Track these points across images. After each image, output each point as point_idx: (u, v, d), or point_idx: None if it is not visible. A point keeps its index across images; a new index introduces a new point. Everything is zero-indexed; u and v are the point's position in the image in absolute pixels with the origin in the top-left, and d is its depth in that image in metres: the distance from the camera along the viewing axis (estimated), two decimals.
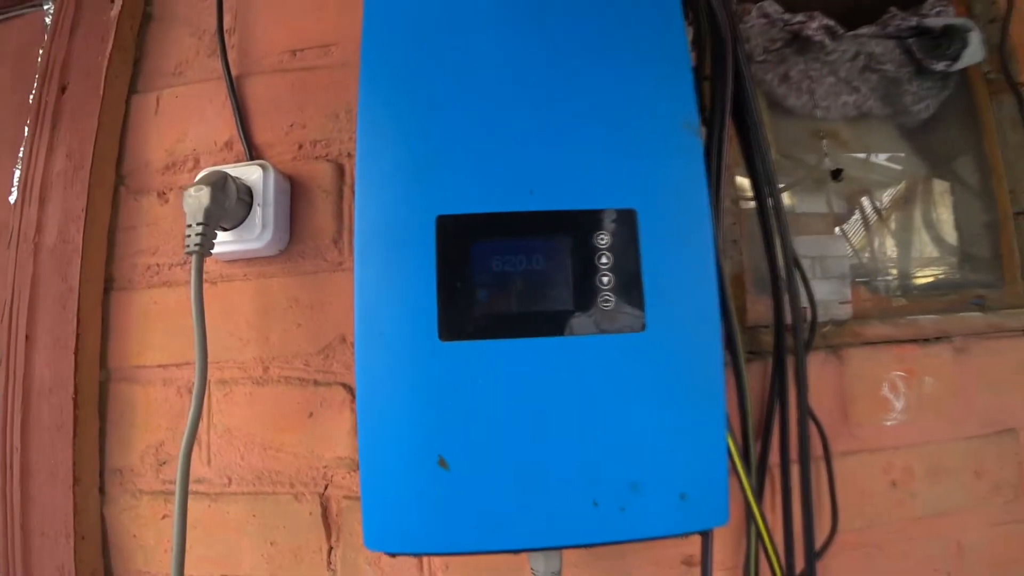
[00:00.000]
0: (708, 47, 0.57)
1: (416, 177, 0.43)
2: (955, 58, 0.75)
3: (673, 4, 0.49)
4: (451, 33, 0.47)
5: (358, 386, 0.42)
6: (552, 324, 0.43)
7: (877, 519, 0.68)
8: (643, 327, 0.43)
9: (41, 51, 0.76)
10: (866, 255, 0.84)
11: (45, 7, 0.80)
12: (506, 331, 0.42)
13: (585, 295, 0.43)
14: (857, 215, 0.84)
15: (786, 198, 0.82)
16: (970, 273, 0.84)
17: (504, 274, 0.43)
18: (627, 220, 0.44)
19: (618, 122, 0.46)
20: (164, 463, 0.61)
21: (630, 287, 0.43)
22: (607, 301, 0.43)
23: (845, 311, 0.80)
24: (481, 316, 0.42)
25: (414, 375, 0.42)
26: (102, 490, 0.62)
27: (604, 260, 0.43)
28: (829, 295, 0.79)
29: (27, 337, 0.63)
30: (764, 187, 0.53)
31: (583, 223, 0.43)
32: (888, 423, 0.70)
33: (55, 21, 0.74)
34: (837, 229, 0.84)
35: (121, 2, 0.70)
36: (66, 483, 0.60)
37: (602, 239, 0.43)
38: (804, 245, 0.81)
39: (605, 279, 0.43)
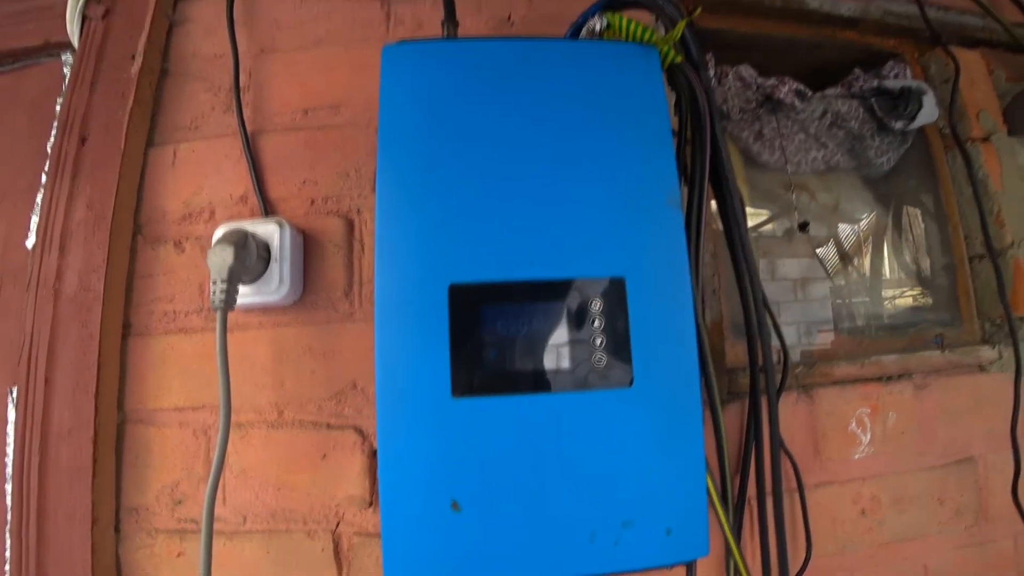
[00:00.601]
0: (688, 116, 0.62)
1: (430, 248, 0.48)
2: (911, 118, 0.83)
3: (657, 86, 0.55)
4: (457, 109, 0.52)
5: (379, 437, 0.46)
6: (551, 381, 0.48)
7: (848, 545, 0.74)
8: (631, 382, 0.48)
9: (60, 101, 0.79)
10: (837, 297, 0.91)
11: (63, 57, 0.84)
12: (511, 387, 0.47)
13: (580, 354, 0.48)
14: (829, 261, 0.91)
15: (769, 244, 0.88)
16: (930, 312, 0.92)
17: (509, 336, 0.48)
18: (617, 287, 0.49)
19: (608, 196, 0.51)
20: (179, 502, 0.64)
21: (619, 347, 0.49)
22: (599, 360, 0.48)
23: (826, 338, 0.86)
24: (489, 374, 0.47)
25: (429, 427, 0.47)
26: (117, 529, 0.65)
27: (597, 323, 0.49)
28: (812, 318, 0.86)
29: (46, 380, 0.66)
30: (739, 248, 0.59)
31: (578, 290, 0.49)
32: (856, 456, 0.76)
33: (75, 74, 0.77)
34: (814, 269, 0.91)
35: (141, 60, 0.74)
36: (84, 524, 0.62)
37: (595, 304, 0.49)
38: (787, 267, 0.88)
39: (598, 340, 0.48)
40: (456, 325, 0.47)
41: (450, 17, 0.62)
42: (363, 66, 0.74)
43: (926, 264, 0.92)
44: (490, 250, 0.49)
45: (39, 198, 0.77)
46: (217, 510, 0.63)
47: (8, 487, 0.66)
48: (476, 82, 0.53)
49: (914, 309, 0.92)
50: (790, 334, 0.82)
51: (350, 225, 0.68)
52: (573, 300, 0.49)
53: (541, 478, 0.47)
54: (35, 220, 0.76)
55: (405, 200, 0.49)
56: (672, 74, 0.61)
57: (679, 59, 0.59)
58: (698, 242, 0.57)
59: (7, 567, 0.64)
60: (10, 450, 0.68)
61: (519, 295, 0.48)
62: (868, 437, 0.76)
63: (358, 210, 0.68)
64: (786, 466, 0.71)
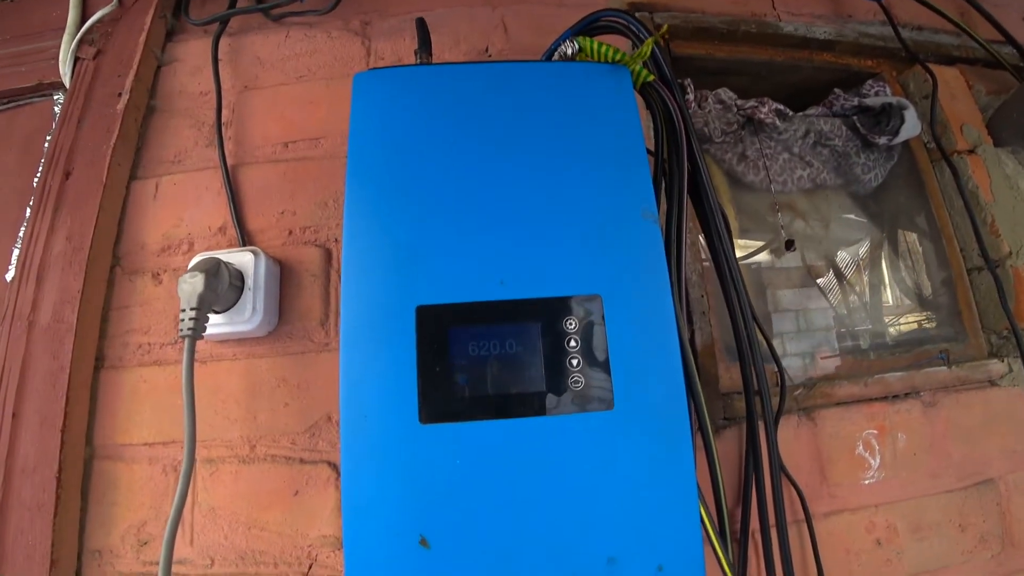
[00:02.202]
0: (664, 136, 0.62)
1: (397, 269, 0.47)
2: (894, 133, 0.83)
3: (629, 103, 0.55)
4: (428, 134, 0.52)
5: (343, 467, 0.43)
6: (526, 405, 0.45)
7: None
8: (612, 405, 0.46)
9: (49, 138, 0.81)
10: (836, 317, 0.88)
11: (55, 97, 0.86)
12: (482, 413, 0.45)
13: (556, 377, 0.46)
14: (823, 280, 0.89)
15: (760, 265, 0.87)
16: (933, 328, 0.89)
17: (480, 359, 0.45)
18: (593, 305, 0.47)
19: (581, 214, 0.50)
20: (145, 543, 0.61)
21: (598, 368, 0.46)
22: (577, 382, 0.46)
23: (832, 363, 0.83)
24: (459, 399, 0.45)
25: (396, 456, 0.44)
26: (79, 573, 0.61)
27: (573, 343, 0.46)
28: (815, 348, 0.83)
29: (14, 415, 0.64)
30: (724, 266, 0.58)
31: (551, 309, 0.47)
32: (866, 481, 0.71)
33: (64, 111, 0.79)
34: (810, 293, 0.88)
35: (128, 96, 0.76)
36: (43, 565, 0.59)
37: (570, 324, 0.47)
38: (786, 299, 0.86)
39: (574, 361, 0.46)
40: (424, 348, 0.45)
41: (424, 46, 0.63)
42: (344, 100, 0.75)
43: (924, 279, 0.89)
44: (459, 270, 0.47)
45: (22, 232, 0.77)
46: (184, 551, 0.60)
47: None
48: (445, 105, 0.53)
49: (916, 326, 0.89)
50: (794, 363, 0.79)
51: (327, 254, 0.67)
52: (547, 320, 0.47)
53: (516, 511, 0.44)
54: (16, 254, 0.76)
55: (372, 221, 0.48)
56: (646, 94, 0.61)
57: (651, 78, 0.59)
58: (679, 258, 0.55)
59: None
60: None
61: (489, 316, 0.46)
62: (878, 460, 0.71)
63: (335, 239, 0.68)
64: (791, 494, 0.67)
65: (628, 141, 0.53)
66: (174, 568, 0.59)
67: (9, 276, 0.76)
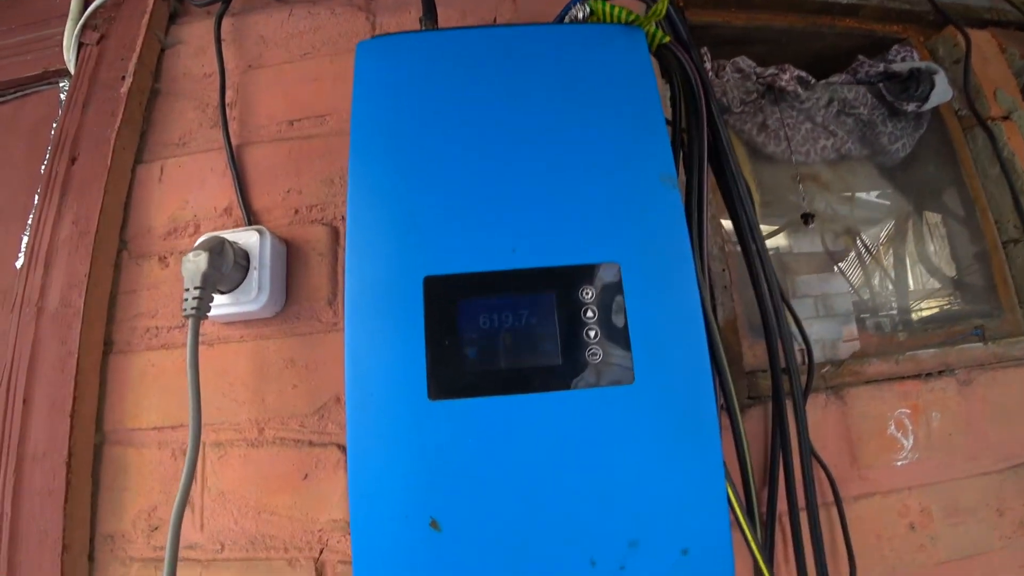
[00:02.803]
0: (682, 100, 0.59)
1: (403, 240, 0.45)
2: (924, 99, 0.78)
3: (644, 64, 0.52)
4: (434, 100, 0.50)
5: (349, 447, 0.42)
6: (541, 379, 0.43)
7: (899, 565, 0.65)
8: (632, 379, 0.43)
9: (55, 125, 0.80)
10: (864, 293, 0.84)
11: (60, 84, 0.86)
12: (495, 388, 0.42)
13: (572, 349, 0.43)
14: (850, 252, 0.85)
15: (782, 239, 0.83)
16: (967, 304, 0.84)
17: (491, 331, 0.43)
18: (611, 274, 0.45)
19: (596, 178, 0.47)
20: (156, 528, 0.60)
21: (617, 339, 0.44)
22: (595, 354, 0.43)
23: (852, 347, 0.79)
24: (469, 374, 0.43)
25: (404, 435, 0.42)
26: (91, 557, 0.61)
27: (590, 314, 0.44)
28: (834, 333, 0.79)
29: (24, 401, 0.64)
30: (747, 233, 0.55)
31: (566, 278, 0.44)
32: (899, 463, 0.68)
33: (69, 97, 0.78)
34: (833, 267, 0.85)
35: (131, 80, 0.75)
36: (55, 550, 0.58)
37: (587, 293, 0.44)
38: (806, 284, 0.82)
39: (592, 333, 0.44)
40: (432, 321, 0.43)
41: (428, 14, 0.61)
42: (349, 76, 0.71)
43: (957, 252, 0.85)
44: (468, 239, 0.45)
45: (31, 219, 0.76)
46: (193, 536, 0.59)
47: None
48: (452, 71, 0.51)
49: (948, 301, 0.85)
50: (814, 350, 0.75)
51: (334, 233, 0.66)
52: (562, 289, 0.44)
53: (532, 492, 0.41)
54: (25, 240, 0.76)
55: (377, 190, 0.46)
56: (662, 56, 0.58)
57: (667, 39, 0.56)
58: (700, 226, 0.52)
59: None
60: None
61: (501, 286, 0.44)
62: (911, 441, 0.68)
63: (342, 217, 0.66)
64: (819, 476, 0.64)
65: (644, 102, 0.50)
66: (185, 553, 0.59)
67: (19, 264, 0.76)
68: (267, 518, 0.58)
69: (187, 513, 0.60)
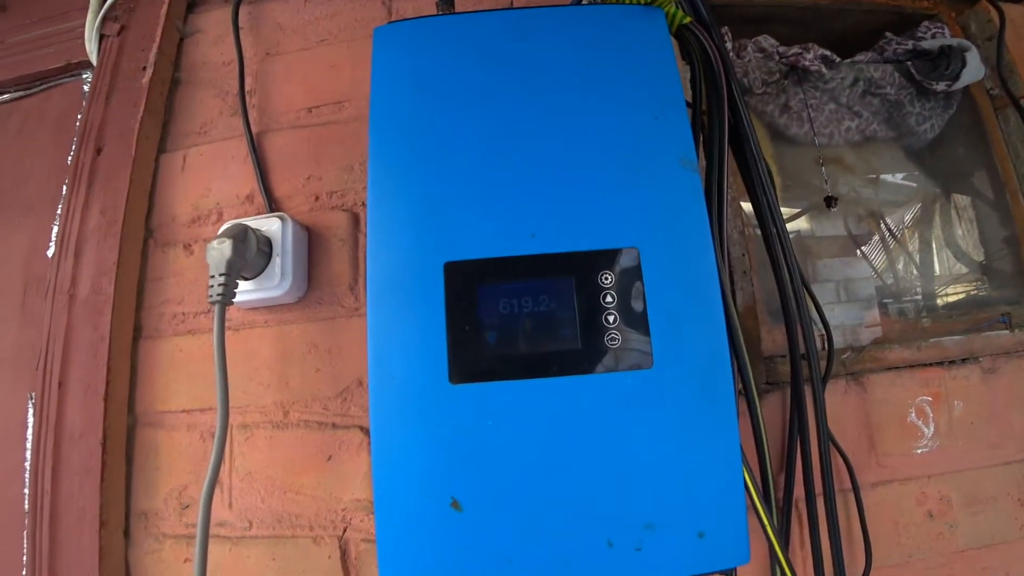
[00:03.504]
0: (703, 82, 0.58)
1: (423, 225, 0.45)
2: (955, 78, 0.76)
3: (664, 45, 0.51)
4: (453, 84, 0.50)
5: (372, 429, 0.43)
6: (560, 364, 0.43)
7: (916, 553, 0.65)
8: (651, 363, 0.43)
9: (79, 116, 0.82)
10: (887, 278, 0.83)
11: (84, 76, 0.87)
12: (515, 372, 0.43)
13: (592, 334, 0.43)
14: (874, 237, 0.84)
15: (803, 222, 0.82)
16: (994, 290, 0.82)
17: (511, 316, 0.44)
18: (630, 258, 0.45)
19: (615, 163, 0.47)
20: (187, 507, 0.63)
21: (636, 324, 0.44)
22: (614, 339, 0.43)
23: (873, 333, 0.78)
24: (490, 358, 0.43)
25: (426, 417, 0.43)
26: (127, 533, 0.64)
27: (609, 299, 0.44)
28: (856, 319, 0.78)
29: (60, 384, 0.66)
30: (768, 217, 0.54)
31: (585, 263, 0.44)
32: (918, 451, 0.67)
33: (92, 88, 0.80)
34: (857, 254, 0.83)
35: (152, 70, 0.76)
36: (93, 526, 0.61)
37: (606, 278, 0.44)
38: (827, 268, 0.81)
39: (611, 317, 0.44)
40: (453, 306, 0.44)
41: None
42: (366, 62, 0.71)
43: (985, 237, 0.83)
44: (488, 225, 0.45)
45: (60, 209, 0.79)
46: (223, 514, 0.61)
47: (27, 491, 0.66)
48: (470, 54, 0.51)
49: (975, 287, 0.83)
50: (846, 313, 0.74)
51: (355, 219, 0.67)
52: (581, 274, 0.44)
53: (551, 474, 0.42)
54: (56, 230, 0.78)
55: (397, 176, 0.47)
56: (682, 37, 0.57)
57: (687, 20, 0.55)
58: (720, 211, 0.52)
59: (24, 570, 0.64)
60: (29, 454, 0.69)
61: (521, 271, 0.44)
62: (931, 429, 0.67)
63: (362, 203, 0.67)
64: (837, 463, 0.63)
65: (664, 84, 0.50)
66: (215, 530, 0.61)
67: (50, 252, 0.78)
68: (293, 497, 0.60)
69: (216, 492, 0.62)
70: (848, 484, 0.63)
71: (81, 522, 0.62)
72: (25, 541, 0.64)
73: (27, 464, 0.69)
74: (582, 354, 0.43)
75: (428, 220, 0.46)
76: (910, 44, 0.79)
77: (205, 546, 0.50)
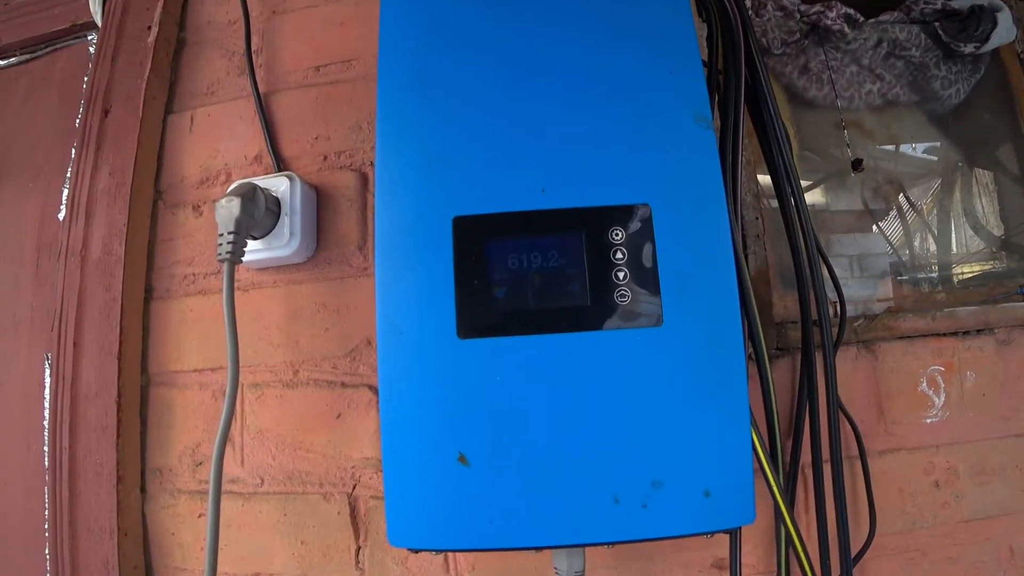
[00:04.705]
0: (719, 39, 0.56)
1: (432, 180, 0.45)
2: (984, 39, 0.73)
3: (679, 2, 0.49)
4: (463, 39, 0.49)
5: (380, 384, 0.43)
6: (569, 320, 0.43)
7: (920, 521, 0.65)
8: (661, 321, 0.43)
9: (86, 78, 0.81)
10: (903, 248, 0.81)
11: (89, 37, 0.86)
12: (523, 328, 0.43)
13: (601, 290, 0.43)
14: (891, 208, 0.82)
15: (817, 194, 0.80)
16: (1013, 262, 0.80)
17: (520, 271, 0.43)
18: (641, 215, 0.44)
19: (628, 118, 0.46)
20: (200, 464, 0.64)
21: (646, 281, 0.43)
22: (623, 296, 0.43)
23: (887, 307, 0.77)
24: (498, 313, 0.43)
25: (434, 373, 0.43)
26: (143, 489, 0.65)
27: (619, 255, 0.43)
28: (869, 294, 0.77)
29: (75, 344, 0.67)
30: (783, 179, 0.53)
31: (596, 219, 0.44)
32: (928, 420, 0.67)
33: (98, 50, 0.79)
34: (873, 226, 0.81)
35: (157, 29, 0.74)
36: (110, 482, 0.63)
37: (616, 235, 0.44)
38: (841, 243, 0.79)
39: (621, 274, 0.43)
40: (461, 261, 0.43)
41: None
42: (374, 19, 0.70)
43: (1006, 208, 0.80)
44: (497, 179, 0.44)
45: (69, 172, 0.79)
46: (235, 471, 0.62)
47: (46, 448, 0.68)
48: (480, 7, 0.49)
49: (992, 262, 0.81)
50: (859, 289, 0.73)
51: (363, 179, 0.66)
52: (592, 230, 0.44)
53: (558, 430, 0.42)
54: (66, 193, 0.78)
55: (405, 129, 0.46)
56: None
57: None
58: (735, 170, 0.51)
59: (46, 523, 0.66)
60: (47, 412, 0.70)
61: (530, 226, 0.44)
62: (942, 399, 0.66)
63: (371, 163, 0.66)
64: (845, 430, 0.63)
65: (680, 40, 0.48)
66: (228, 486, 0.63)
67: (61, 215, 0.78)
68: (303, 455, 0.61)
69: (228, 450, 0.63)
70: (855, 451, 0.63)
71: (99, 477, 0.63)
72: (47, 495, 0.66)
73: (46, 422, 0.71)
74: (591, 310, 0.43)
75: (437, 174, 0.45)
76: (939, 3, 0.76)
77: (218, 502, 0.51)
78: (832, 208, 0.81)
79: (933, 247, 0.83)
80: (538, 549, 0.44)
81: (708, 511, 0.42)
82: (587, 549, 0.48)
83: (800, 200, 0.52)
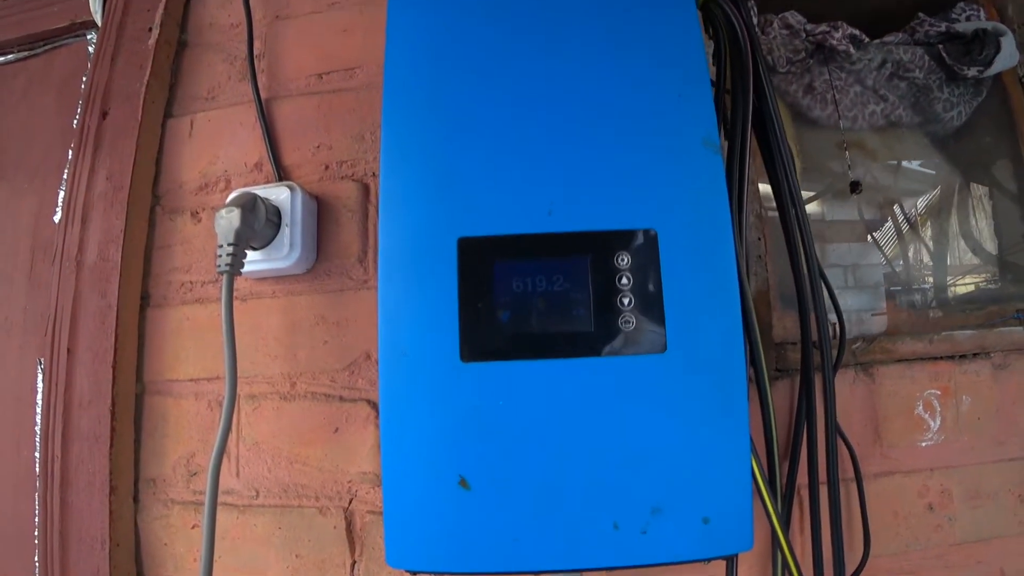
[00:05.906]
0: (727, 59, 0.56)
1: (438, 199, 0.44)
2: (987, 63, 0.73)
3: (691, 21, 0.49)
4: (471, 56, 0.48)
5: (381, 405, 0.43)
6: (573, 345, 0.43)
7: (913, 544, 0.66)
8: (664, 347, 0.43)
9: (84, 79, 0.80)
10: (899, 267, 0.81)
11: (88, 36, 0.85)
12: (527, 352, 0.43)
13: (606, 316, 0.43)
14: (889, 226, 0.82)
15: (815, 207, 0.80)
16: (1010, 285, 0.81)
17: (525, 295, 0.43)
18: (647, 240, 0.44)
19: (636, 141, 0.46)
20: (195, 474, 0.63)
21: (651, 307, 0.43)
22: (628, 322, 0.43)
23: (880, 323, 0.78)
24: (502, 337, 0.43)
25: (436, 395, 0.43)
26: (136, 499, 0.64)
27: (624, 281, 0.43)
28: (862, 306, 0.77)
29: (69, 350, 0.66)
30: (787, 201, 0.53)
31: (602, 244, 0.44)
32: (923, 443, 0.67)
33: (97, 50, 0.78)
34: (869, 238, 0.82)
35: (158, 31, 0.73)
36: (103, 491, 0.62)
37: (622, 260, 0.43)
38: (836, 254, 0.79)
39: (625, 300, 0.43)
40: (466, 283, 0.43)
41: None
42: (379, 27, 0.69)
43: (1004, 230, 0.81)
44: (504, 200, 0.44)
45: (66, 173, 0.77)
46: (230, 483, 0.62)
47: (37, 454, 0.67)
48: (488, 22, 0.49)
49: (988, 281, 0.81)
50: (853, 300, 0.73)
51: (365, 189, 0.65)
52: (597, 255, 0.44)
53: (559, 455, 0.42)
54: (62, 195, 0.77)
55: (411, 147, 0.45)
56: (708, 12, 0.55)
57: None
58: (741, 194, 0.50)
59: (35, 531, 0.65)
60: (39, 419, 0.69)
61: (536, 249, 0.44)
62: (938, 423, 0.67)
63: (373, 174, 0.65)
64: (841, 452, 0.63)
65: (689, 61, 0.48)
66: (223, 498, 0.62)
67: (57, 218, 0.77)
68: (299, 468, 0.61)
69: (224, 461, 0.62)
70: (851, 473, 0.63)
71: (91, 487, 0.62)
72: (36, 504, 0.65)
73: (37, 428, 0.70)
74: (595, 336, 0.43)
75: (442, 193, 0.45)
76: (943, 26, 0.76)
77: (213, 513, 0.51)
78: (828, 219, 0.81)
79: (929, 265, 0.83)
80: (537, 574, 0.44)
81: (707, 538, 0.43)
82: (585, 574, 0.48)
83: (804, 225, 0.52)
